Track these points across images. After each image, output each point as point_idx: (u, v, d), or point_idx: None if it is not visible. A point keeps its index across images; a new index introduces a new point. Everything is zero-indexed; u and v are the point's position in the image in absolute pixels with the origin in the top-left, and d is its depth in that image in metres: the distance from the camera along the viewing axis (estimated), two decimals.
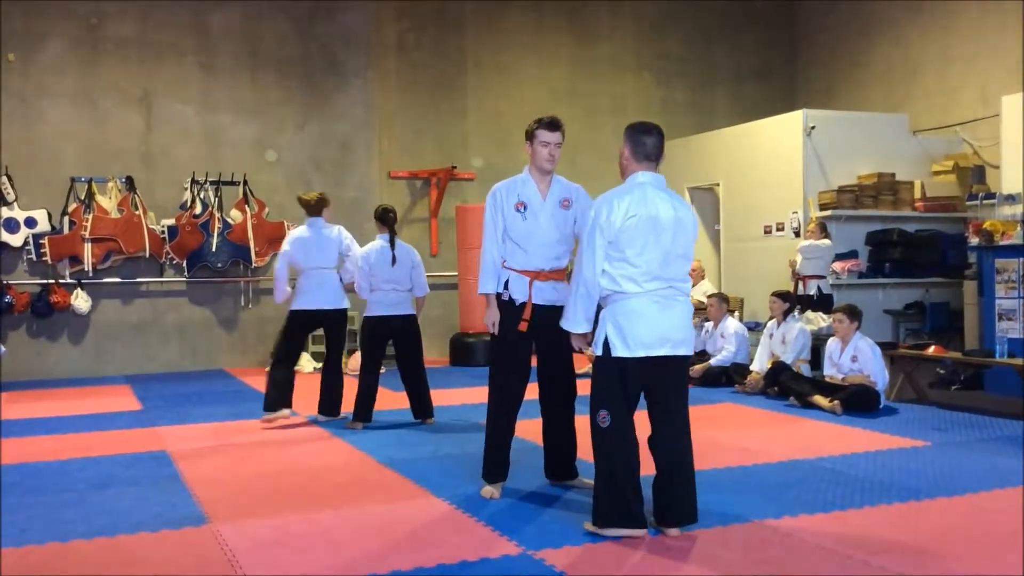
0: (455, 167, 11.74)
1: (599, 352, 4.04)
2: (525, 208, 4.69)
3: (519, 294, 4.69)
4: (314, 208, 7.08)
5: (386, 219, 6.97)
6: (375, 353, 6.95)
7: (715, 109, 13.12)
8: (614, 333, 3.98)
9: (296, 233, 7.13)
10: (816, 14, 13.23)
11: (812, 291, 9.31)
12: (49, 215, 10.20)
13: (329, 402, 7.05)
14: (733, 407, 7.61)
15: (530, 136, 4.74)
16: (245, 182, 10.88)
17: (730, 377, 8.59)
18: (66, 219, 10.22)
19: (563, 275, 4.83)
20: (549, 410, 4.84)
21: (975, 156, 10.56)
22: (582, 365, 9.31)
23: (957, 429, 6.52)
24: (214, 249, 10.58)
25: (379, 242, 6.93)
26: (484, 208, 4.86)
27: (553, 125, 4.71)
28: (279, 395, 6.88)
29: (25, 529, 4.26)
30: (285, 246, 7.09)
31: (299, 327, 7.07)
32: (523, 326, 4.65)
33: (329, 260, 7.02)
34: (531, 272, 4.69)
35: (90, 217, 10.17)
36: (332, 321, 7.02)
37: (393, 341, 7.00)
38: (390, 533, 4.11)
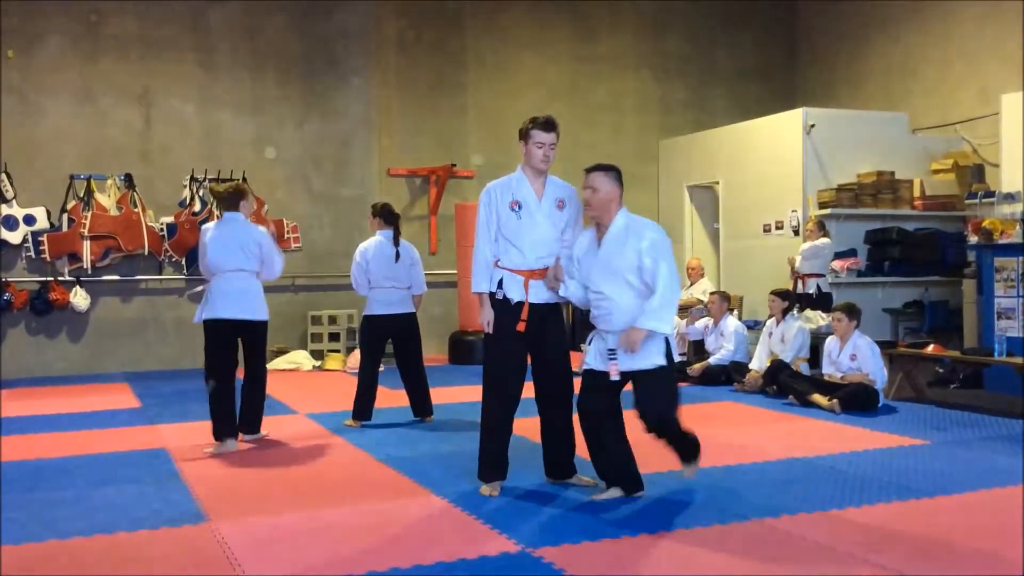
0: (454, 165, 11.73)
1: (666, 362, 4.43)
2: (520, 207, 4.67)
3: (514, 293, 4.67)
4: (229, 201, 6.17)
5: (391, 216, 6.95)
6: (374, 351, 6.94)
7: (715, 107, 13.12)
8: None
9: (211, 229, 6.11)
10: (816, 12, 13.22)
11: (811, 289, 9.32)
12: (48, 212, 10.19)
13: (250, 418, 6.20)
14: (732, 405, 7.61)
15: (524, 136, 4.70)
16: (244, 179, 10.85)
17: (729, 375, 8.59)
18: (65, 216, 10.21)
19: None
20: (546, 409, 4.83)
21: (974, 155, 10.56)
22: (578, 363, 9.32)
23: (956, 428, 6.52)
24: None
25: (379, 238, 6.90)
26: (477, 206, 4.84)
27: (548, 125, 4.68)
28: (228, 423, 5.98)
29: (24, 526, 4.26)
30: (204, 248, 6.05)
31: (219, 339, 6.00)
32: (521, 326, 4.64)
33: (251, 263, 6.05)
34: (525, 271, 4.68)
35: (89, 215, 10.17)
36: (254, 334, 6.12)
37: (392, 339, 6.99)
38: (389, 531, 4.11)
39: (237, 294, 5.97)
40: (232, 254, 5.98)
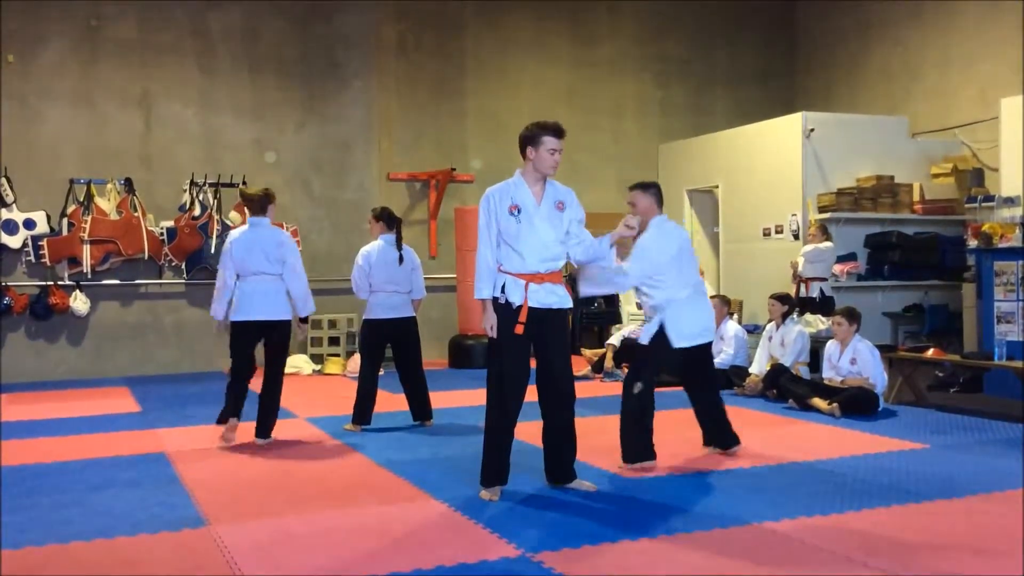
0: (454, 169, 11.74)
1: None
2: (519, 211, 4.67)
3: (515, 297, 4.67)
4: (257, 205, 6.34)
5: (392, 219, 6.95)
6: (374, 355, 6.94)
7: (714, 111, 13.13)
8: None
9: (236, 234, 6.32)
10: (816, 16, 13.25)
11: (815, 293, 9.32)
12: (48, 217, 10.19)
13: (264, 422, 6.36)
14: (732, 409, 7.51)
15: (534, 141, 4.67)
16: (244, 183, 10.87)
17: (729, 379, 8.58)
18: (65, 221, 10.21)
19: (559, 277, 4.82)
20: (548, 413, 4.82)
21: (974, 159, 10.58)
22: (581, 367, 9.31)
23: (956, 432, 6.52)
24: (213, 251, 10.55)
25: (381, 243, 6.90)
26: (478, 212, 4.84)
27: (560, 131, 4.68)
28: (234, 406, 6.25)
29: (24, 530, 4.26)
30: (228, 249, 6.26)
31: (246, 339, 6.27)
32: (519, 329, 4.64)
33: (274, 267, 6.24)
34: (527, 275, 4.68)
35: (89, 219, 10.17)
36: (279, 334, 6.32)
37: (392, 343, 6.99)
38: (389, 535, 4.11)
39: (263, 295, 6.21)
40: (255, 258, 6.19)
